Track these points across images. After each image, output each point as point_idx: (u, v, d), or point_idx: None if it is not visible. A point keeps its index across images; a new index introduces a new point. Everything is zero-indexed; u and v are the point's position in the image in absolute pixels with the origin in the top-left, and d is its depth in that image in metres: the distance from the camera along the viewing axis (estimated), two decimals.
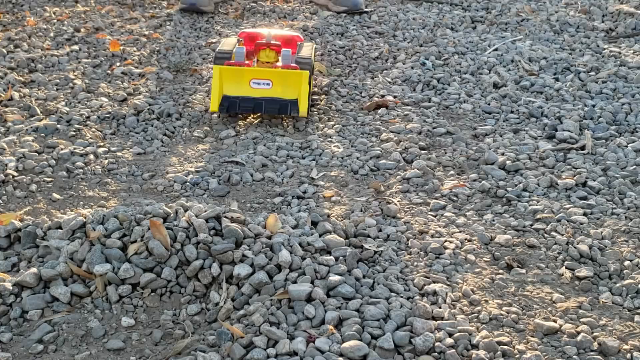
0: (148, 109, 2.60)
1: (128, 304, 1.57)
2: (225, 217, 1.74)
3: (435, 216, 1.94)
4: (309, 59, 2.48)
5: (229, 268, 1.62)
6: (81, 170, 2.19)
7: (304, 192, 2.08)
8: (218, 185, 2.12)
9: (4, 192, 2.03)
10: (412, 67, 3.08)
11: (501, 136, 2.44)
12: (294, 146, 2.37)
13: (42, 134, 2.40)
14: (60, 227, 1.78)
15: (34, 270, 1.61)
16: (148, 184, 2.15)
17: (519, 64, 3.11)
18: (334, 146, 2.37)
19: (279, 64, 2.52)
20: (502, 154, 2.27)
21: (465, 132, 2.49)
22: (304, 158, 2.30)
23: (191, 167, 2.23)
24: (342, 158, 2.29)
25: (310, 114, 2.62)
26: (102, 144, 2.38)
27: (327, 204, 2.02)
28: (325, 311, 1.49)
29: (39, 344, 1.46)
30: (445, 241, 1.79)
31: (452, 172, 2.19)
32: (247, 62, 2.51)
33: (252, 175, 2.18)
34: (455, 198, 2.04)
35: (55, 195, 2.04)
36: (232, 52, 2.51)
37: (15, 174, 2.12)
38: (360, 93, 2.84)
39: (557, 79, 2.97)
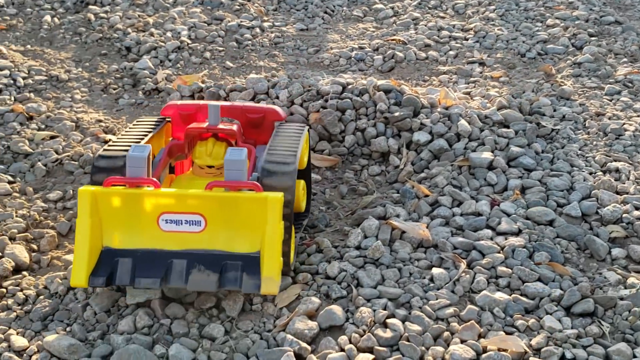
0: None
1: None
2: (404, 86, 1.77)
3: (610, 100, 1.89)
4: (292, 162, 1.17)
5: (407, 135, 1.65)
6: (249, 42, 2.25)
7: (471, 71, 2.07)
8: (383, 62, 2.13)
9: (181, 57, 2.13)
10: None
11: None
12: (455, 27, 2.34)
13: (209, 7, 2.47)
14: (242, 90, 1.86)
15: None
16: (314, 58, 2.19)
17: None
18: (498, 29, 2.32)
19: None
20: None
21: (634, 23, 2.38)
22: (466, 39, 2.27)
23: (354, 44, 2.25)
24: (507, 41, 2.24)
25: None
26: (266, 19, 2.43)
27: (496, 83, 2.00)
28: (507, 179, 1.51)
29: None
30: (624, 124, 1.75)
31: (624, 59, 2.11)
32: (154, 178, 1.15)
33: (415, 53, 2.18)
34: (630, 84, 1.97)
35: (229, 63, 2.12)
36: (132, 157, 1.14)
37: (189, 41, 2.21)
38: None
39: None
